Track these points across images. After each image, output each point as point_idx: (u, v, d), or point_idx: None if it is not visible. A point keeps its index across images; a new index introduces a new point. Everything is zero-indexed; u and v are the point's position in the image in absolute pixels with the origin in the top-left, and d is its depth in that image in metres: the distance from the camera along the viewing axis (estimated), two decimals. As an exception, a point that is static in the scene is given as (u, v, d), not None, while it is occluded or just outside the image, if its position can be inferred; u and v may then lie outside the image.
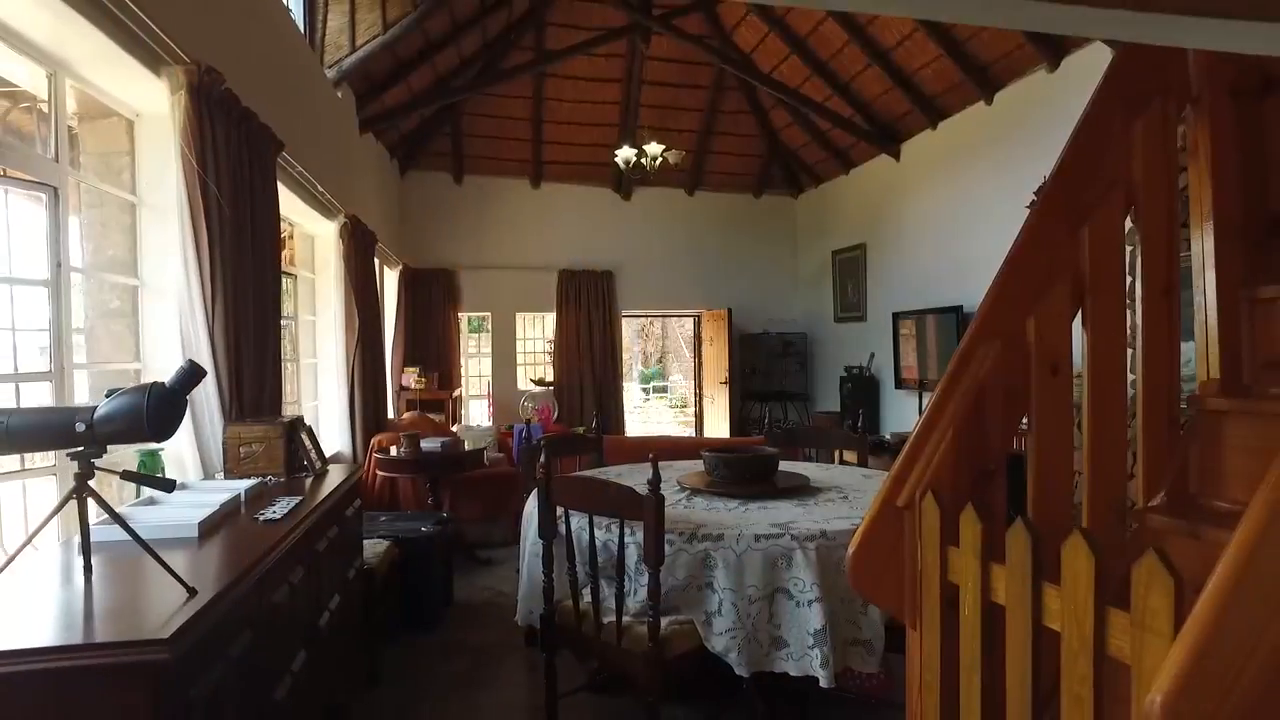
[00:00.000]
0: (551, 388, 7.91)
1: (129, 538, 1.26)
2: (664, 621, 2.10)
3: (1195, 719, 0.78)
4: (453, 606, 3.72)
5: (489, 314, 8.06)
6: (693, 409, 9.39)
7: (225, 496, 1.92)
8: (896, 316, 6.76)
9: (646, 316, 11.23)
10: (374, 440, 4.68)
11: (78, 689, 1.05)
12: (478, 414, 8.21)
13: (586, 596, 2.24)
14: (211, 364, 2.49)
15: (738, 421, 8.33)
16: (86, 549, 1.31)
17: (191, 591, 1.24)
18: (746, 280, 8.61)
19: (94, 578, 1.34)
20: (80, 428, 1.20)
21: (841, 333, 7.94)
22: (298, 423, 2.52)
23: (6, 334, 2.12)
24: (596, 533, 2.20)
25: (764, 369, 8.35)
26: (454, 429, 6.31)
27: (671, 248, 8.44)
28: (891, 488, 1.57)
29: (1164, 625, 0.93)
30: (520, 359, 8.22)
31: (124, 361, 2.63)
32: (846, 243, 7.79)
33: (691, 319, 9.24)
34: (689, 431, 10.31)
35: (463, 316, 7.91)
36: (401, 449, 4.23)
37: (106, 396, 1.24)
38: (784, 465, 3.00)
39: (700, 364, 9.00)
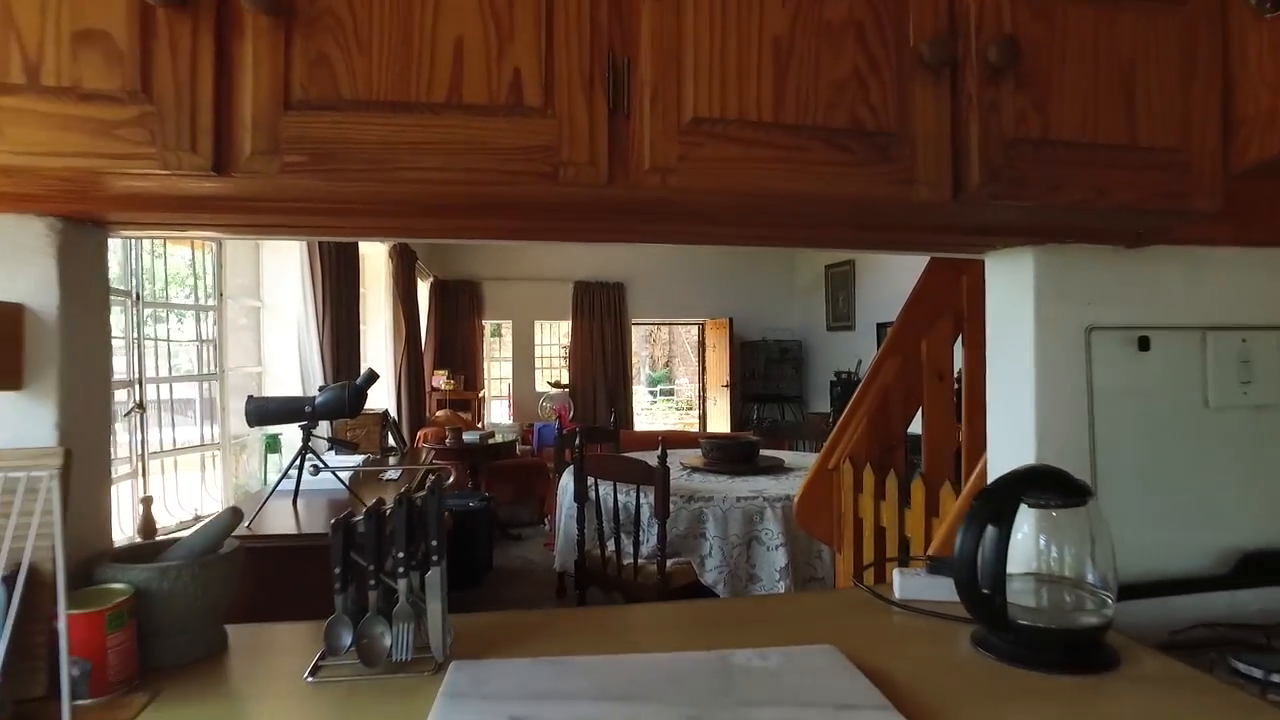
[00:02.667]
0: (567, 389, 8.64)
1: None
2: (669, 562, 2.82)
3: (937, 551, 1.49)
4: (492, 571, 4.45)
5: (510, 321, 8.80)
6: (697, 410, 10.07)
7: (352, 465, 2.65)
8: (881, 327, 7.47)
9: (654, 324, 11.94)
10: (420, 433, 5.42)
11: (306, 562, 1.78)
12: (499, 413, 8.95)
13: (610, 545, 2.97)
14: (320, 366, 3.23)
15: (738, 422, 9.03)
16: (296, 488, 2.04)
17: (371, 513, 1.97)
18: (746, 291, 9.31)
19: (300, 508, 2.07)
20: (308, 409, 1.92)
21: (833, 341, 8.65)
22: (387, 414, 3.26)
23: (162, 345, 2.86)
24: (619, 496, 2.93)
25: (762, 373, 9.06)
26: (479, 426, 7.04)
27: (678, 261, 9.12)
28: (824, 456, 2.29)
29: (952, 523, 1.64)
30: (538, 363, 8.95)
31: (250, 366, 3.37)
32: (838, 258, 8.49)
33: (696, 327, 9.95)
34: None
35: (485, 324, 8.65)
36: (448, 440, 4.97)
37: (319, 390, 1.97)
38: (771, 453, 3.72)
39: (704, 369, 9.70)
